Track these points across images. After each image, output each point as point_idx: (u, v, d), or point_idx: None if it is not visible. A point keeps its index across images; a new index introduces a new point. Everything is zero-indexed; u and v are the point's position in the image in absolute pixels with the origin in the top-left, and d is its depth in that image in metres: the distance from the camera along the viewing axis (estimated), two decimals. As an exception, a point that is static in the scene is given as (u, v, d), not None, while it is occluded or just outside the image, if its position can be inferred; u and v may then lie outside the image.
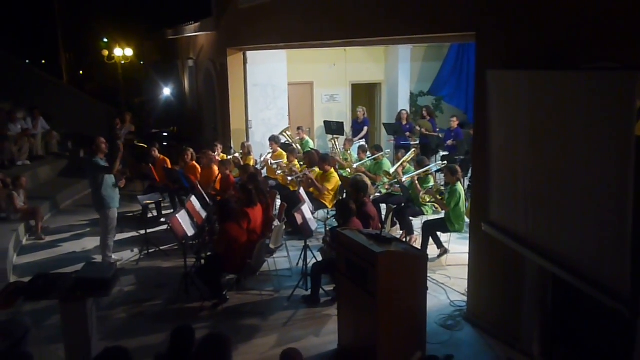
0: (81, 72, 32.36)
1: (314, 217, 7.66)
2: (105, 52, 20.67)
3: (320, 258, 7.28)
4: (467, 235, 6.48)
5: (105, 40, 26.90)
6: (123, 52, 20.01)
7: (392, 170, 9.16)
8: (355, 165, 10.03)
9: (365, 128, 12.80)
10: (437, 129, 12.45)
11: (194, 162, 10.13)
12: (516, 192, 4.91)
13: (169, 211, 10.29)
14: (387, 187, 9.20)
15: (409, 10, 6.70)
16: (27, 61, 22.36)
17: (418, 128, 12.30)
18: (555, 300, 5.06)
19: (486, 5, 5.45)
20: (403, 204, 8.61)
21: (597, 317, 4.54)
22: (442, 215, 8.09)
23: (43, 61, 29.55)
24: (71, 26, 25.45)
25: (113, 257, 8.06)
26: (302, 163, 10.06)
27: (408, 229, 8.40)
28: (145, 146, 12.38)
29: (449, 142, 11.63)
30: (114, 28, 24.35)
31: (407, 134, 12.32)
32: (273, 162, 10.43)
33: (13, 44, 23.87)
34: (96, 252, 8.38)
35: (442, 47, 14.15)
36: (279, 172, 10.20)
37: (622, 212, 3.62)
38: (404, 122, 12.44)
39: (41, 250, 8.78)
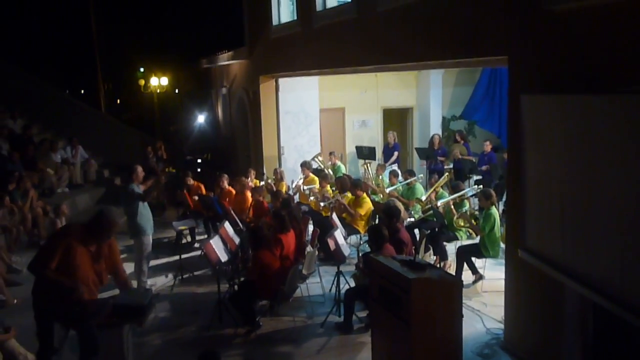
0: (118, 101, 33.24)
1: (346, 243, 7.63)
2: (142, 82, 21.23)
3: (353, 284, 7.23)
4: (503, 260, 6.36)
5: (142, 70, 27.62)
6: (159, 82, 20.52)
7: (424, 197, 9.10)
8: (387, 190, 9.99)
9: (396, 153, 12.78)
10: (471, 153, 12.36)
11: (230, 187, 10.26)
12: (553, 218, 4.81)
13: (202, 237, 10.41)
14: (422, 209, 9.11)
15: (440, 35, 6.73)
16: (67, 91, 23.12)
17: (456, 152, 12.20)
18: (597, 328, 4.90)
19: (518, 29, 5.43)
20: (437, 229, 8.52)
21: (641, 347, 4.38)
22: (476, 240, 7.98)
23: (82, 91, 30.50)
24: (109, 57, 26.25)
25: (148, 282, 8.16)
26: (334, 188, 10.08)
27: (442, 255, 8.30)
28: (174, 170, 12.63)
29: (484, 167, 11.51)
30: (150, 58, 25.04)
31: (441, 158, 12.24)
32: (305, 187, 10.48)
33: (54, 75, 24.72)
34: (131, 277, 8.47)
35: (474, 72, 14.12)
36: (311, 197, 10.23)
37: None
38: (436, 147, 12.39)
39: (79, 276, 8.92)
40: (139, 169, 7.94)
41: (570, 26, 4.75)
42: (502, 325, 6.34)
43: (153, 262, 8.98)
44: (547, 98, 4.91)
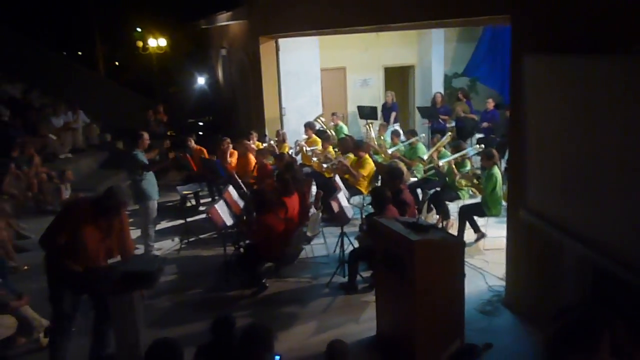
0: (117, 63, 32.85)
1: (349, 204, 7.70)
2: (140, 43, 20.94)
3: (357, 245, 7.33)
4: (505, 219, 6.42)
5: (139, 30, 27.18)
6: (157, 43, 20.25)
7: (425, 156, 9.12)
8: (390, 151, 10.01)
9: (394, 113, 12.71)
10: (474, 111, 12.32)
11: (232, 150, 10.29)
12: (554, 178, 4.86)
13: (207, 199, 10.50)
14: (425, 169, 9.15)
15: (441, -6, 6.63)
16: (64, 54, 22.77)
17: (459, 109, 12.14)
18: (595, 287, 5.00)
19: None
20: (439, 189, 8.58)
21: (637, 305, 4.47)
22: (478, 199, 8.04)
23: (79, 53, 30.09)
24: (105, 17, 25.81)
25: (155, 246, 8.28)
26: (336, 149, 10.09)
27: (445, 214, 8.37)
28: (175, 134, 12.65)
29: (485, 124, 11.49)
30: (148, 18, 24.60)
31: (444, 117, 12.20)
32: (308, 149, 10.49)
33: (49, 37, 24.36)
34: (138, 242, 8.59)
35: (477, 28, 13.92)
36: (314, 159, 10.25)
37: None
38: (439, 106, 12.33)
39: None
40: (145, 135, 7.95)
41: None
42: (503, 283, 6.46)
43: (159, 227, 9.10)
44: (550, 58, 4.88)
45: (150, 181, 7.88)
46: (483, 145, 9.01)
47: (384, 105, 13.06)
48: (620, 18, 4.24)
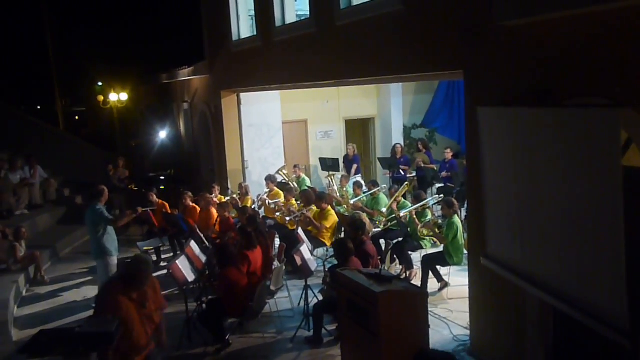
0: (77, 117, 32.59)
1: (313, 256, 7.68)
2: (101, 98, 20.86)
3: (321, 297, 7.28)
4: (467, 267, 6.50)
5: (100, 84, 27.15)
6: (118, 97, 20.22)
7: (384, 209, 9.23)
8: (352, 201, 10.10)
9: (355, 166, 12.91)
10: (433, 161, 12.59)
11: (194, 204, 10.20)
12: (511, 226, 4.98)
13: (168, 255, 10.31)
14: (384, 222, 9.25)
15: (397, 50, 6.86)
16: (23, 107, 22.50)
17: (419, 160, 12.40)
18: (557, 332, 5.08)
19: (472, 43, 5.59)
20: (401, 239, 8.65)
21: (599, 350, 4.55)
22: (441, 248, 8.13)
23: (38, 107, 29.78)
24: (66, 72, 25.75)
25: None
26: (299, 202, 10.13)
27: (407, 264, 8.42)
28: (136, 188, 12.53)
29: (444, 173, 11.74)
30: (109, 73, 24.63)
31: (404, 167, 12.42)
32: (270, 201, 10.50)
33: (8, 91, 24.12)
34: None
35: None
36: (277, 213, 10.25)
37: (616, 243, 3.69)
38: (399, 156, 12.57)
39: (42, 301, 8.75)
40: (106, 190, 7.93)
41: (521, 41, 4.94)
42: (468, 332, 6.47)
43: (118, 283, 8.83)
44: (500, 110, 5.10)
45: (110, 237, 7.75)
46: (443, 195, 9.18)
47: (346, 158, 13.25)
48: (569, 72, 4.47)
